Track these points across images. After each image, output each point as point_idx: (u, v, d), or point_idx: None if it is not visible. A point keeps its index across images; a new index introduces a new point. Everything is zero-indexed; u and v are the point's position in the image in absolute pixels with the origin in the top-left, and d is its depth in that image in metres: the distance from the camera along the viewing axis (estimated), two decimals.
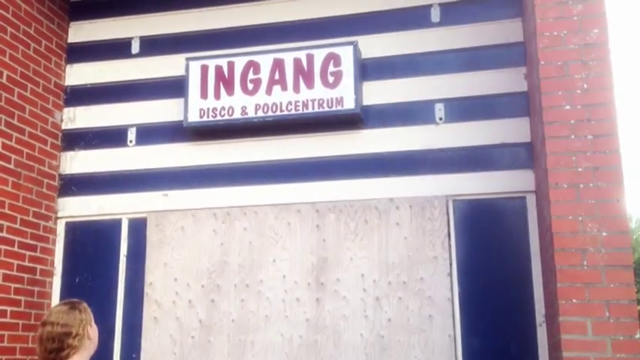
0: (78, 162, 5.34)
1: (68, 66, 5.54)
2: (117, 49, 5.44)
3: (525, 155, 4.51)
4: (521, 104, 4.59)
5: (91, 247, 5.15)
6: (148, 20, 5.41)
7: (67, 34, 5.59)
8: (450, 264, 4.49)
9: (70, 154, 5.37)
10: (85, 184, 5.26)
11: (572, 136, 3.66)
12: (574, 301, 3.48)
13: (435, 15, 4.88)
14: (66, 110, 5.46)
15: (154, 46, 5.37)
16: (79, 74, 5.51)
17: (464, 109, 4.71)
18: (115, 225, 5.12)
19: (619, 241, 3.51)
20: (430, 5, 4.90)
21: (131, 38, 5.42)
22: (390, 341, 4.46)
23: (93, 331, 2.73)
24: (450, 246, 4.53)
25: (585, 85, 3.72)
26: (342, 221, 4.74)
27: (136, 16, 5.44)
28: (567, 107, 3.72)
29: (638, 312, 3.54)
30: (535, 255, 4.36)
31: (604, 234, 3.51)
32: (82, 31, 5.59)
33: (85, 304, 2.76)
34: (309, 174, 4.87)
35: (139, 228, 5.07)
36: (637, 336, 3.42)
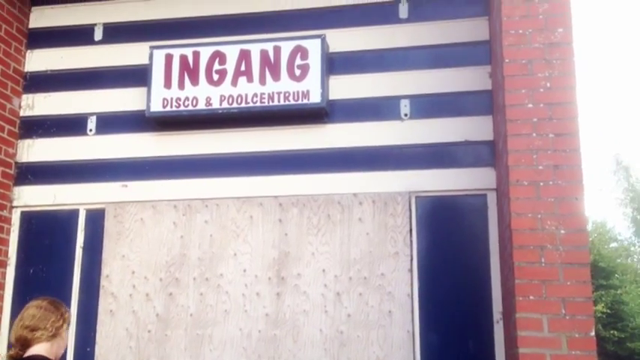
0: (35, 150, 5.20)
1: (28, 51, 5.40)
2: (79, 36, 5.31)
3: (487, 153, 4.54)
4: (485, 102, 4.61)
5: (47, 238, 5.02)
6: (111, 7, 5.29)
7: (28, 19, 5.44)
8: (411, 260, 4.49)
9: (27, 141, 5.22)
10: (42, 173, 5.13)
11: (534, 134, 3.69)
12: (531, 297, 3.49)
13: (403, 11, 4.88)
14: (25, 97, 5.31)
15: (117, 33, 5.25)
16: (40, 60, 5.37)
17: (429, 105, 4.71)
18: (72, 215, 5.00)
19: (577, 239, 3.54)
20: (398, 1, 4.89)
21: (94, 25, 5.30)
22: (350, 337, 4.44)
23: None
24: (411, 242, 4.52)
25: (548, 84, 3.75)
26: (304, 215, 4.70)
27: (100, 2, 5.32)
28: (530, 105, 3.74)
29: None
30: (494, 253, 4.39)
31: (562, 232, 3.54)
32: (44, 17, 5.45)
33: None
34: (272, 167, 4.82)
35: (96, 219, 4.96)
36: (592, 333, 3.45)
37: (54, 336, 2.85)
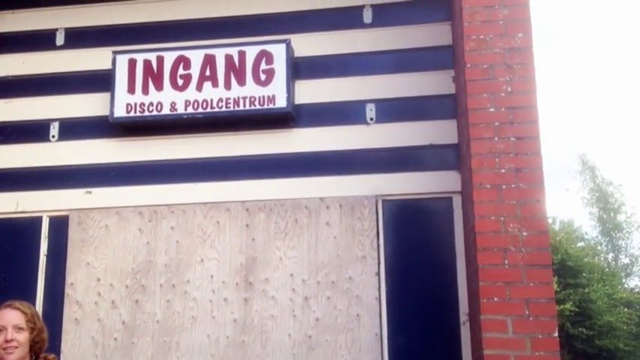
0: None
1: None
2: (41, 41, 5.22)
3: (452, 156, 4.58)
4: (449, 106, 4.65)
5: (9, 246, 4.91)
6: (74, 11, 5.21)
7: None
8: (379, 263, 4.51)
9: None
10: (4, 180, 5.01)
11: (496, 138, 3.75)
12: (495, 299, 3.54)
13: (367, 16, 4.90)
14: None
15: (79, 38, 5.17)
16: (0, 66, 5.26)
17: (394, 110, 4.74)
18: (35, 223, 4.90)
19: (539, 241, 3.60)
20: (362, 6, 4.91)
21: (56, 29, 5.21)
22: (318, 341, 4.44)
23: None
24: (378, 245, 4.54)
25: (509, 88, 3.81)
26: (272, 220, 4.69)
27: (62, 6, 5.23)
28: (492, 109, 3.80)
29: (558, 311, 3.63)
30: (460, 255, 4.43)
31: (524, 234, 3.60)
32: (5, 21, 5.34)
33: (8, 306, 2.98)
34: (239, 172, 4.80)
35: (60, 226, 4.87)
36: (555, 334, 3.51)
37: None
